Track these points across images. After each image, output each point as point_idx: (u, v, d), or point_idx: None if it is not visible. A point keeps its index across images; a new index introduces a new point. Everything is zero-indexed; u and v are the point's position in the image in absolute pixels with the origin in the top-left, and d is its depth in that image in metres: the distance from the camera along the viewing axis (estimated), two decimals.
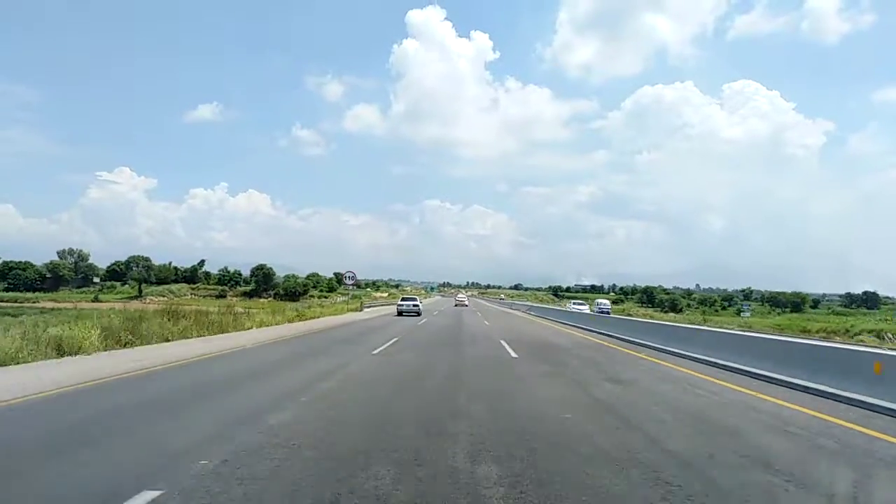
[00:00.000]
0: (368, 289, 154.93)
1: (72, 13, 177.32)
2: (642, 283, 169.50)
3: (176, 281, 79.44)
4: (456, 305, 53.42)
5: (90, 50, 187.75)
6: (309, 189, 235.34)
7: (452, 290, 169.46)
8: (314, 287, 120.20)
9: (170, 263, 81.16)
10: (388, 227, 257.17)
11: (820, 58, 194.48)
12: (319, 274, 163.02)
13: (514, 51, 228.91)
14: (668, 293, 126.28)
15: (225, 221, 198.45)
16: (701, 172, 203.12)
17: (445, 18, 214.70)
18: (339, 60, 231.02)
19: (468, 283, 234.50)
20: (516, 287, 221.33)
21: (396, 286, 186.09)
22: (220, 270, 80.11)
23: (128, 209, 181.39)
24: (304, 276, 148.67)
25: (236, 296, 79.06)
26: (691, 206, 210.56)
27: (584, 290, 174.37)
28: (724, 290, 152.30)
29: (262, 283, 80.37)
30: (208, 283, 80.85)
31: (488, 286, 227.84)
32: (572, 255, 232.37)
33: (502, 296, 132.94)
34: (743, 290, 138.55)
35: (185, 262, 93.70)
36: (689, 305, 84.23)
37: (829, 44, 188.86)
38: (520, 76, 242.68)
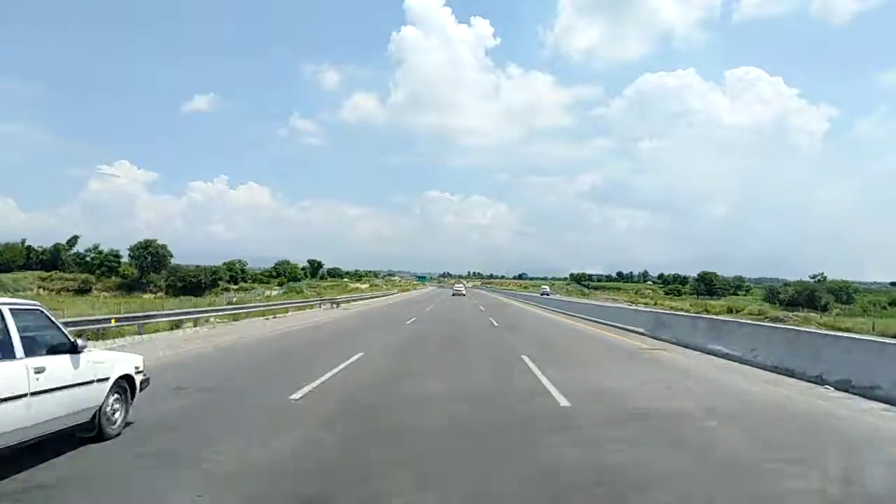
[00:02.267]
0: (346, 280, 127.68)
1: (68, 5, 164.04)
2: (640, 271, 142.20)
3: (28, 267, 52.11)
4: (454, 295, 50.64)
5: (85, 42, 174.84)
6: (308, 180, 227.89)
7: (452, 280, 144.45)
8: (250, 278, 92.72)
9: (22, 242, 53.37)
10: (389, 218, 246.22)
11: (829, 39, 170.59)
12: (291, 262, 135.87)
13: (516, 36, 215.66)
14: (726, 281, 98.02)
15: (225, 214, 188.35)
16: (704, 159, 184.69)
17: (445, 4, 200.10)
18: (336, 48, 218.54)
19: (469, 272, 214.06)
20: (521, 276, 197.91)
21: (389, 275, 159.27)
22: (88, 250, 52.49)
23: (128, 202, 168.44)
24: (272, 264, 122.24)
25: (110, 288, 51.29)
26: (694, 194, 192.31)
27: (609, 278, 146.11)
28: (741, 278, 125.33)
29: (149, 269, 52.98)
30: (77, 270, 52.99)
31: (491, 276, 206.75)
32: (575, 244, 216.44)
33: (546, 287, 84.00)
34: (815, 277, 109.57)
35: (183, 257, 70.74)
36: (809, 298, 54.55)
37: (838, 24, 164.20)
38: (521, 62, 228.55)
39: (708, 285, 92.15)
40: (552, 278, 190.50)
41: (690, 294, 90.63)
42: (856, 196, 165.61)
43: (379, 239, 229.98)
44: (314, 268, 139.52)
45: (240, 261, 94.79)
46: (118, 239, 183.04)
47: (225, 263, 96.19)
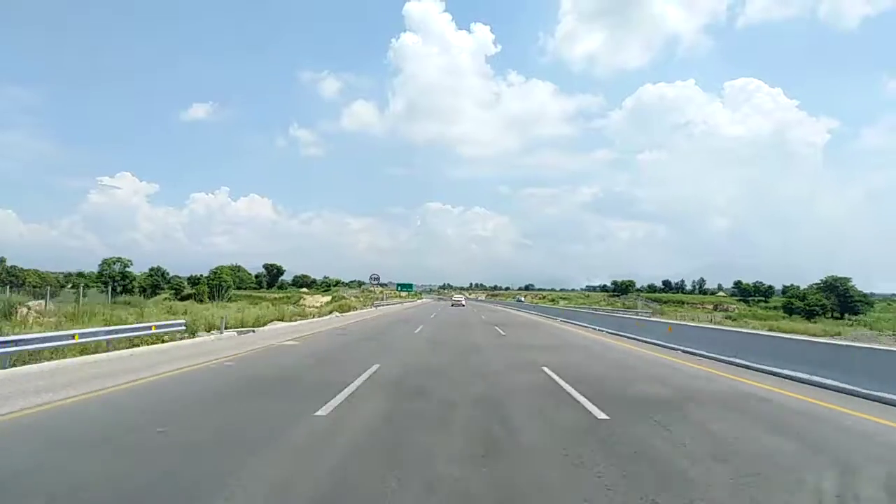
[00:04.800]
0: (305, 291, 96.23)
1: (69, 14, 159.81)
2: (645, 283, 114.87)
3: None
4: (452, 305, 49.24)
5: (85, 51, 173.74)
6: (309, 191, 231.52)
7: (452, 292, 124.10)
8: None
9: None
10: (390, 230, 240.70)
11: (836, 45, 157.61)
12: (244, 269, 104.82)
13: (516, 43, 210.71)
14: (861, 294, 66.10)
15: (227, 226, 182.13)
16: (704, 171, 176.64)
17: (444, 10, 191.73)
18: (334, 55, 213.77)
19: (472, 284, 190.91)
20: (527, 288, 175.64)
21: (374, 285, 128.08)
22: None
23: (129, 214, 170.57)
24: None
25: None
26: (695, 206, 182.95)
27: (652, 288, 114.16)
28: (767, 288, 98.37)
29: None
30: None
31: (495, 287, 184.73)
32: (579, 255, 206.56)
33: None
34: None
35: (185, 269, 68.48)
36: None
37: (846, 29, 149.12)
38: (522, 70, 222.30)
39: (842, 298, 60.33)
40: (561, 290, 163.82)
41: (814, 311, 58.65)
42: (858, 205, 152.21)
43: (381, 251, 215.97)
44: (272, 275, 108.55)
45: (119, 259, 63.59)
46: (120, 248, 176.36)
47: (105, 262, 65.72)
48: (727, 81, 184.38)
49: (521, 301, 76.79)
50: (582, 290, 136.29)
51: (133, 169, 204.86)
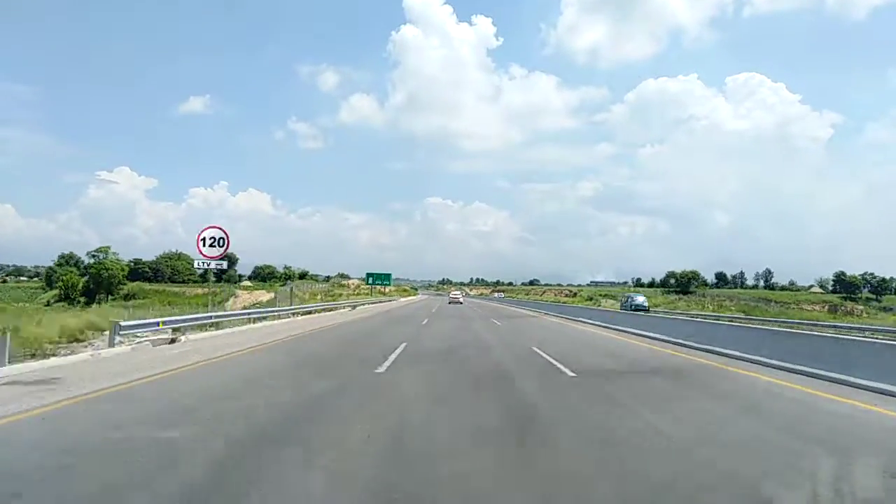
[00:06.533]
0: (248, 285, 73.30)
1: (65, 8, 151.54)
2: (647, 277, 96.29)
3: None
4: (450, 303, 46.87)
5: (78, 42, 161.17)
6: (308, 186, 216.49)
7: (452, 287, 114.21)
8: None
9: None
10: (389, 226, 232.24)
11: (843, 36, 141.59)
12: (186, 256, 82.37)
13: (518, 35, 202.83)
14: None
15: (226, 221, 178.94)
16: (708, 166, 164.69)
17: (445, 3, 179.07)
18: (333, 49, 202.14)
19: (472, 279, 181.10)
20: (532, 283, 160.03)
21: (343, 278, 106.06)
22: None
23: (128, 209, 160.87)
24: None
25: None
26: (700, 201, 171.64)
27: (698, 281, 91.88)
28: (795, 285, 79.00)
29: None
30: None
31: (497, 282, 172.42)
32: (581, 251, 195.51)
33: None
34: None
35: None
36: None
37: (854, 21, 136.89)
38: (524, 63, 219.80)
39: None
40: (568, 285, 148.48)
41: None
42: (860, 201, 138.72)
43: (381, 247, 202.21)
44: (229, 263, 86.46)
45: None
46: (118, 242, 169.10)
47: None
48: (730, 76, 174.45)
49: (643, 306, 35.28)
50: (588, 284, 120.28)
51: (131, 163, 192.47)
